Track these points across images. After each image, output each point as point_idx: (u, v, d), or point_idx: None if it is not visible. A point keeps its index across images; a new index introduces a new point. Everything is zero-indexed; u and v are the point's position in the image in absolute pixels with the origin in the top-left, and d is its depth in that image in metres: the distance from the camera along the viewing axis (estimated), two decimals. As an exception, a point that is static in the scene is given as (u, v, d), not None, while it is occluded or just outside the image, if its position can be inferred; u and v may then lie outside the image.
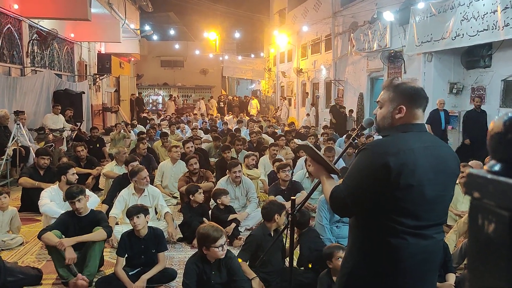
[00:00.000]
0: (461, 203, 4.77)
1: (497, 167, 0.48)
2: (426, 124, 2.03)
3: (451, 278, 3.22)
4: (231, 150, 7.14)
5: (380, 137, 1.84)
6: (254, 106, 21.57)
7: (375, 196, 1.60)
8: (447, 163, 1.69)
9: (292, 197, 2.29)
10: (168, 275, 3.51)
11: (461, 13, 8.03)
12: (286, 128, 11.77)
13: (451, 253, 3.51)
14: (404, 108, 1.69)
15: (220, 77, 26.97)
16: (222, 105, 22.16)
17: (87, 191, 4.49)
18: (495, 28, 7.18)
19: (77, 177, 4.61)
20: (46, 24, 9.95)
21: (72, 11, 8.94)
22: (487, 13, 7.37)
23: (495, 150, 0.49)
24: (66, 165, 4.65)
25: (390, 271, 1.63)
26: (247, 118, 17.38)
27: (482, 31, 7.52)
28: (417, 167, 1.58)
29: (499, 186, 0.44)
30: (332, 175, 1.85)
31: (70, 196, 3.53)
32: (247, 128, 12.00)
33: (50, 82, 9.75)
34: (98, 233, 3.36)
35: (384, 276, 1.65)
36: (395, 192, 1.57)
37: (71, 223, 3.43)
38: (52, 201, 4.22)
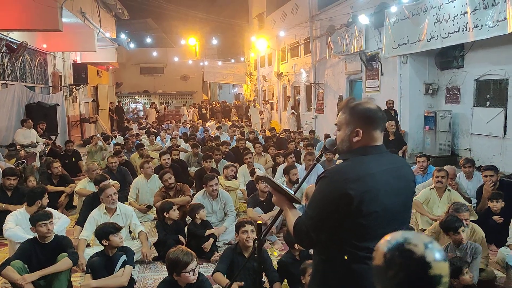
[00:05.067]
0: (437, 207, 4.77)
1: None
2: None
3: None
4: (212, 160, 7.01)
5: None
6: (256, 113, 18.42)
7: (337, 224, 1.57)
8: (407, 183, 1.71)
9: (258, 222, 2.21)
10: None
11: (433, 15, 8.12)
12: (267, 134, 11.69)
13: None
14: (361, 131, 1.65)
15: (201, 83, 26.80)
16: (204, 111, 21.97)
17: (56, 213, 4.34)
18: (466, 30, 7.29)
19: (48, 201, 4.43)
20: (15, 36, 9.66)
21: (42, 22, 8.64)
22: (457, 15, 7.47)
23: (379, 283, 0.42)
24: (41, 190, 4.43)
25: None
26: (229, 123, 17.27)
27: (453, 32, 7.62)
28: (379, 192, 1.56)
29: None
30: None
31: (36, 221, 3.36)
32: (228, 135, 11.89)
33: (21, 96, 9.47)
34: (63, 262, 3.20)
35: None
36: (358, 219, 1.55)
37: (34, 251, 3.26)
38: (17, 225, 4.03)
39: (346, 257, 1.58)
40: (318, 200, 1.61)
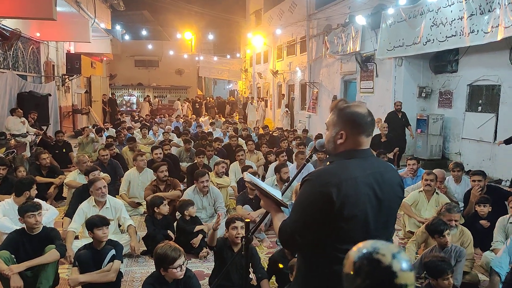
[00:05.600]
0: (425, 209, 4.82)
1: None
2: None
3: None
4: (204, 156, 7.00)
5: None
6: (254, 111, 17.95)
7: (320, 227, 1.57)
8: (392, 187, 1.69)
9: (247, 220, 2.22)
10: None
11: (430, 18, 8.15)
12: (260, 131, 11.69)
13: (412, 263, 3.52)
14: (345, 134, 1.65)
15: (196, 77, 26.70)
16: (198, 107, 21.89)
17: (45, 204, 4.31)
18: (462, 35, 7.33)
19: (37, 192, 4.40)
20: (8, 23, 9.53)
21: (36, 10, 8.51)
22: (454, 19, 7.51)
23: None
24: (30, 181, 4.39)
25: None
26: (223, 119, 17.22)
27: (450, 36, 7.66)
28: (360, 197, 1.57)
29: None
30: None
31: (24, 211, 3.34)
32: (221, 131, 11.86)
33: (13, 84, 9.35)
34: (50, 254, 3.18)
35: None
36: (339, 223, 1.56)
37: (21, 242, 3.24)
38: (5, 215, 4.00)
39: (327, 259, 1.58)
40: (301, 203, 1.62)
